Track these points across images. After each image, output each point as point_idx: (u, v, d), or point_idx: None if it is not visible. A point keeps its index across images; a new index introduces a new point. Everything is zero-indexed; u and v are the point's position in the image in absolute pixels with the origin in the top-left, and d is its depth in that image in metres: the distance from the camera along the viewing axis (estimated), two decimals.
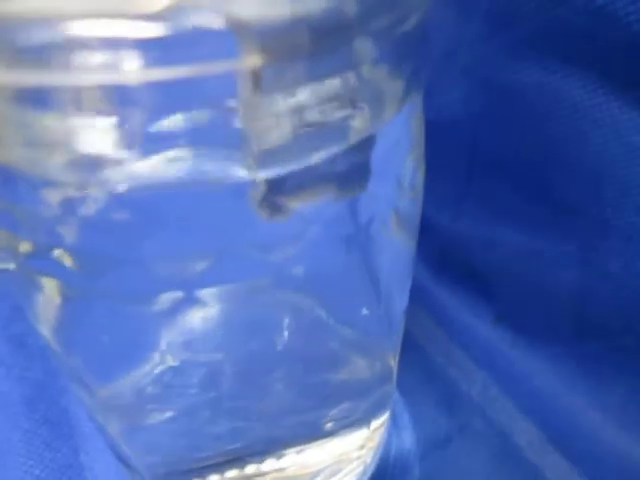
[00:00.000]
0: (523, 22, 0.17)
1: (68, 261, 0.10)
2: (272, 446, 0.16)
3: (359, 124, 0.10)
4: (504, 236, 0.20)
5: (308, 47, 0.08)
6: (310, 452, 0.16)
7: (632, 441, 0.17)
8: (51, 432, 0.18)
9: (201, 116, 0.08)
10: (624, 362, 0.17)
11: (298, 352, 0.13)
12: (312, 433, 0.16)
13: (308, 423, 0.16)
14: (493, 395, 0.21)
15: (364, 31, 0.09)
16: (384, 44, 0.09)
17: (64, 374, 0.16)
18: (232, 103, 0.08)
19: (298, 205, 0.10)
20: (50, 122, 0.08)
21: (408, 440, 0.21)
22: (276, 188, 0.10)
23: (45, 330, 0.12)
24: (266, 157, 0.09)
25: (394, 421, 0.21)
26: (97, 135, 0.09)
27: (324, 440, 0.16)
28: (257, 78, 0.08)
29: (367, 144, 0.10)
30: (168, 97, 0.08)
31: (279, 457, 0.16)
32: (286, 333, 0.13)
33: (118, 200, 0.09)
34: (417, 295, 0.16)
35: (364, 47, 0.09)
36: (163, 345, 0.12)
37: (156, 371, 0.13)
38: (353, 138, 0.10)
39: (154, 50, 0.08)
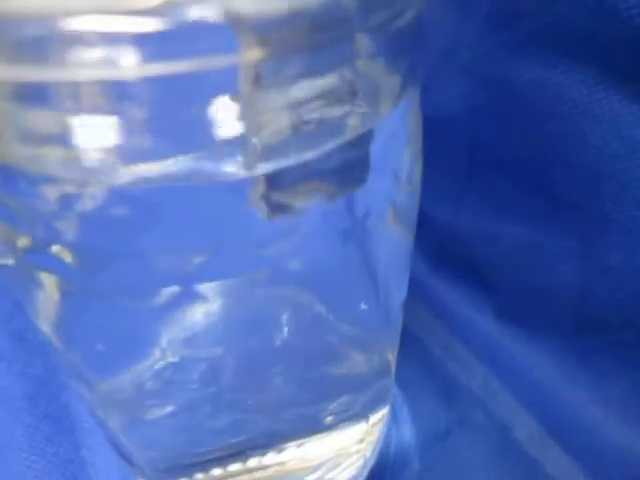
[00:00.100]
0: (523, 18, 0.17)
1: (67, 256, 0.10)
2: (272, 440, 0.16)
3: (356, 119, 0.10)
4: (504, 230, 0.20)
5: (306, 41, 0.08)
6: (310, 446, 0.16)
7: (633, 435, 0.17)
8: (52, 427, 0.18)
9: (200, 111, 0.08)
10: (625, 356, 0.17)
11: (297, 346, 0.13)
12: (312, 427, 0.16)
13: (308, 417, 0.16)
14: (493, 389, 0.21)
15: (362, 26, 0.09)
16: (381, 39, 0.09)
17: (64, 370, 0.16)
18: (231, 98, 0.08)
19: (298, 202, 0.10)
20: (48, 118, 0.09)
21: (408, 433, 0.21)
22: (274, 184, 0.10)
23: (45, 326, 0.12)
24: (264, 152, 0.09)
25: (394, 415, 0.21)
26: (95, 131, 0.09)
27: (324, 434, 0.16)
28: (255, 73, 0.08)
29: (365, 139, 0.10)
30: (166, 92, 0.08)
31: (280, 451, 0.16)
32: (285, 328, 0.13)
33: (116, 196, 0.09)
34: (417, 289, 0.16)
35: (361, 42, 0.09)
36: (163, 340, 0.12)
37: (156, 366, 0.13)
38: (351, 133, 0.10)
39: (152, 45, 0.08)
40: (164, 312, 0.11)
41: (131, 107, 0.08)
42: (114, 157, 0.09)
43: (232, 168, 0.09)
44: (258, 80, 0.08)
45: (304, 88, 0.09)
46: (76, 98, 0.08)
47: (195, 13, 0.08)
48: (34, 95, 0.08)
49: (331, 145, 0.09)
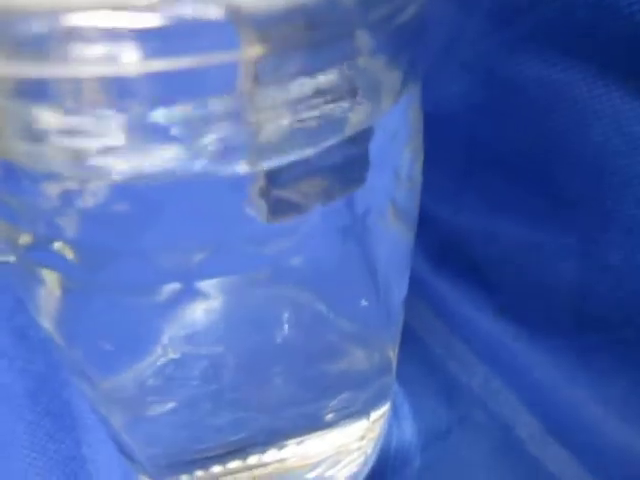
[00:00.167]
0: (523, 15, 0.17)
1: (68, 253, 0.10)
2: (273, 437, 0.16)
3: (356, 116, 0.10)
4: (504, 229, 0.20)
5: (306, 38, 0.08)
6: (310, 443, 0.16)
7: (634, 433, 0.17)
8: (54, 424, 0.18)
9: (200, 107, 0.08)
10: (625, 354, 0.17)
11: (298, 344, 0.14)
12: (312, 424, 0.16)
13: (308, 414, 0.16)
14: (494, 387, 0.21)
15: (362, 22, 0.09)
16: (382, 35, 0.09)
17: (66, 367, 0.16)
18: (232, 94, 0.08)
19: (299, 201, 0.10)
20: (49, 115, 0.09)
21: (409, 431, 0.21)
22: (275, 182, 0.10)
23: (46, 323, 0.12)
24: (264, 149, 0.09)
25: (395, 412, 0.21)
26: (96, 127, 0.09)
27: (324, 431, 0.16)
28: (256, 70, 0.08)
29: (365, 136, 0.10)
30: (167, 89, 0.08)
31: (280, 448, 0.16)
32: (285, 326, 0.13)
33: (118, 192, 0.09)
34: (417, 288, 0.16)
35: (362, 39, 0.09)
36: (164, 337, 0.12)
37: (158, 363, 0.13)
38: (351, 130, 0.10)
39: (153, 41, 0.08)
40: (165, 309, 0.11)
41: (132, 103, 0.08)
42: (115, 153, 0.09)
43: (233, 165, 0.09)
44: (258, 77, 0.08)
45: (304, 85, 0.09)
46: (77, 94, 0.08)
47: (196, 9, 0.08)
48: (35, 91, 0.08)
49: (331, 142, 0.09)
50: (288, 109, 0.09)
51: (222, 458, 0.16)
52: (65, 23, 0.08)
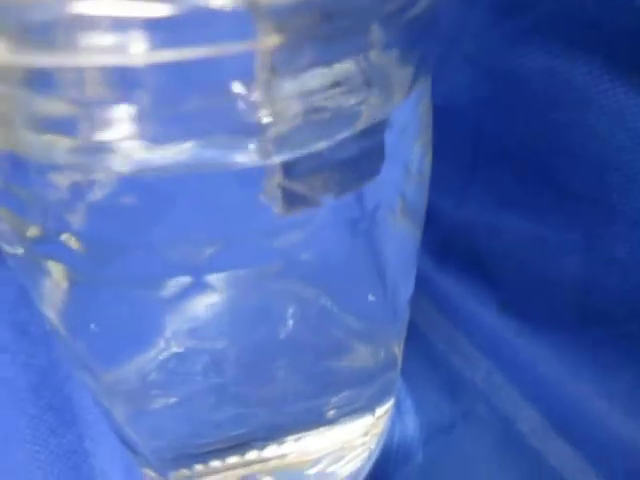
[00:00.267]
0: (528, 8, 0.17)
1: (76, 246, 0.10)
2: (274, 433, 0.16)
3: (369, 109, 0.10)
4: (509, 223, 0.20)
5: (321, 30, 0.08)
6: (310, 439, 0.16)
7: (637, 427, 0.18)
8: (56, 418, 0.18)
9: (213, 99, 0.08)
10: (629, 348, 0.18)
11: (303, 340, 0.13)
12: (314, 420, 0.16)
13: (310, 410, 0.16)
14: (497, 382, 0.21)
15: (377, 14, 0.09)
16: (394, 28, 0.09)
17: (69, 360, 0.16)
18: (245, 86, 0.08)
19: (313, 194, 0.10)
20: (58, 105, 0.08)
21: (411, 426, 0.21)
22: (289, 174, 0.09)
23: (51, 315, 0.12)
24: (278, 141, 0.09)
25: (397, 407, 0.21)
26: (105, 118, 0.08)
27: (326, 427, 0.16)
28: (272, 60, 0.08)
29: (379, 129, 0.10)
30: (179, 80, 0.08)
31: (280, 444, 0.16)
32: (291, 321, 0.13)
33: (127, 185, 0.09)
34: (421, 283, 0.16)
35: (375, 32, 0.09)
36: (168, 331, 0.12)
37: (161, 357, 0.13)
38: (364, 123, 0.10)
39: (164, 31, 0.08)
40: (171, 303, 0.11)
41: (142, 94, 0.08)
42: (124, 145, 0.09)
43: (245, 157, 0.09)
44: (273, 68, 0.08)
45: (318, 76, 0.09)
46: (86, 84, 0.08)
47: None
48: (43, 81, 0.08)
49: (345, 134, 0.09)
50: (302, 100, 0.09)
51: (222, 453, 0.16)
52: (74, 12, 0.08)
